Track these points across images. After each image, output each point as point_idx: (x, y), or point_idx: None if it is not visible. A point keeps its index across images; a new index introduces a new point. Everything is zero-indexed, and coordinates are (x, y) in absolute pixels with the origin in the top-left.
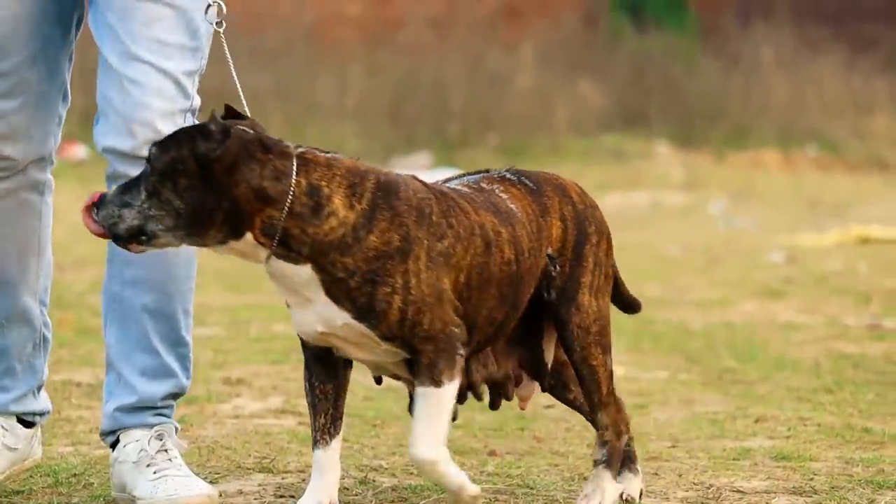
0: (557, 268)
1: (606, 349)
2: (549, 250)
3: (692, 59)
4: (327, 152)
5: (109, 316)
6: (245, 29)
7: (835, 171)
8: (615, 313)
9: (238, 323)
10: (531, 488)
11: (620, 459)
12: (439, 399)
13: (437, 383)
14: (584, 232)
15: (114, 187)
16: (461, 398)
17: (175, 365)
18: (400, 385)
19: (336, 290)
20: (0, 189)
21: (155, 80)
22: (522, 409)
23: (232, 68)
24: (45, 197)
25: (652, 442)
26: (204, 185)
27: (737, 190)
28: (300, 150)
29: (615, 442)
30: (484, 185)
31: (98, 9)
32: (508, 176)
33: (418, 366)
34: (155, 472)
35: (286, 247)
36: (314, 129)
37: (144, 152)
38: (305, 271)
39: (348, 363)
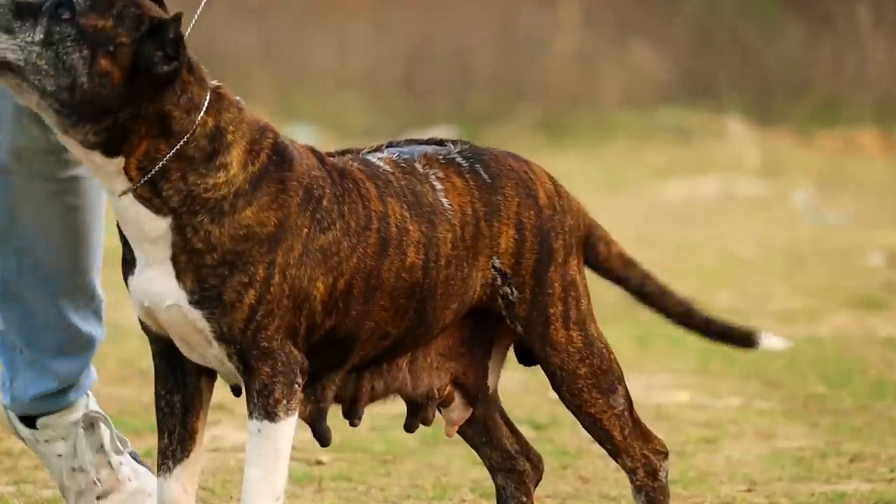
0: (514, 290)
1: (610, 389)
2: (497, 262)
3: (771, 19)
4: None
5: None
6: None
7: None
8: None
9: None
10: None
11: (668, 500)
12: (276, 436)
13: (272, 416)
14: (549, 248)
15: None
16: (349, 415)
17: (94, 327)
18: None
19: (185, 261)
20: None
21: None
22: (449, 435)
23: None
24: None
25: (723, 485)
26: (123, 83)
27: (826, 177)
28: (214, 82)
29: (651, 482)
30: (419, 166)
31: None
32: (459, 159)
33: (250, 391)
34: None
35: (154, 190)
36: (309, 99)
37: None
38: (161, 226)
39: (203, 371)
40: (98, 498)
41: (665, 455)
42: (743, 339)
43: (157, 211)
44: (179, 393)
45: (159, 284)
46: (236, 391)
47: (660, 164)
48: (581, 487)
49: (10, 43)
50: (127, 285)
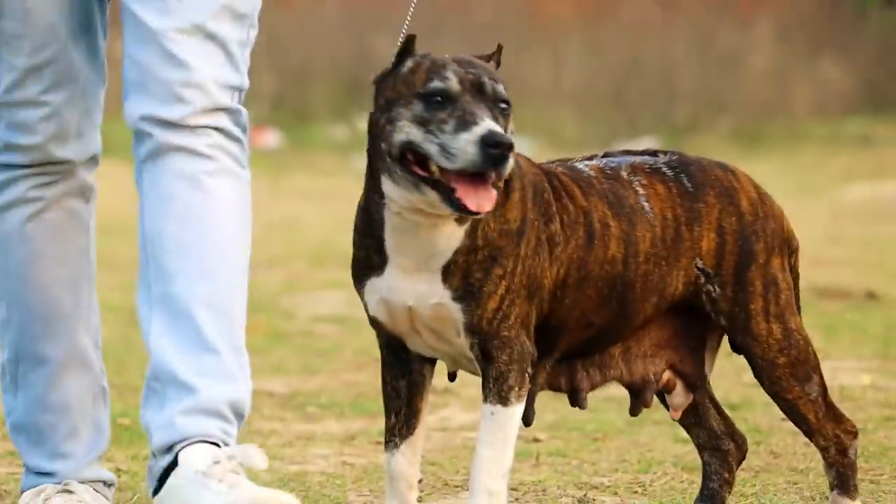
0: (716, 288)
1: (805, 378)
2: (699, 263)
3: None
4: None
5: (156, 323)
6: (452, 5)
7: None
8: (859, 311)
9: None
10: None
11: (855, 474)
12: (506, 420)
13: (505, 401)
14: (750, 251)
15: None
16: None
17: (236, 370)
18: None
19: (461, 262)
20: (47, 197)
21: (203, 46)
22: (674, 418)
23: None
24: (90, 205)
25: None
26: None
27: None
28: None
29: (842, 459)
30: (624, 173)
31: None
32: (664, 169)
33: (486, 378)
34: (222, 482)
35: None
36: (528, 113)
37: (199, 121)
38: (458, 236)
39: (426, 360)
40: None
41: (854, 435)
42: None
43: (461, 223)
44: (405, 379)
45: (426, 286)
46: (451, 377)
47: (845, 168)
48: (772, 462)
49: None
50: (363, 286)
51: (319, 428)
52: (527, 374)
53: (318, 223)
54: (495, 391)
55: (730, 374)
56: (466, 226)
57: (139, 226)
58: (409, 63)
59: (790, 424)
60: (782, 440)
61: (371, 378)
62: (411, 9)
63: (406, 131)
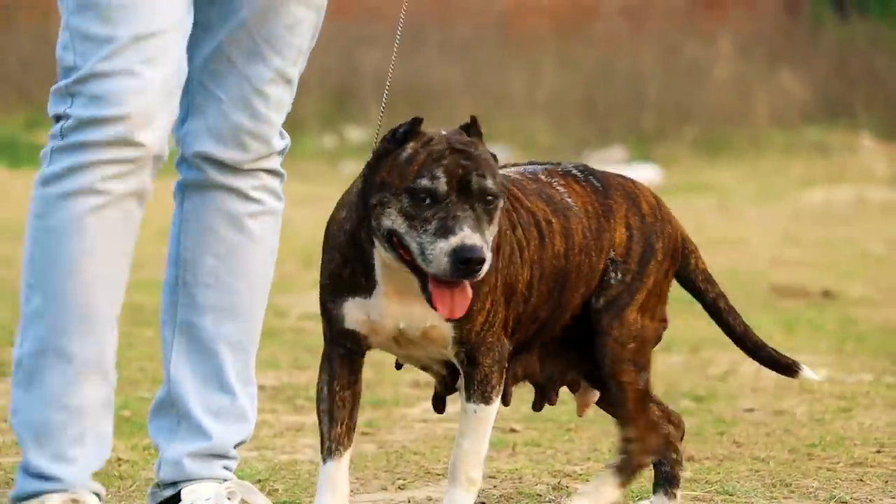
0: (619, 275)
1: (641, 367)
2: (613, 254)
3: (891, 48)
4: None
5: (177, 347)
6: (435, 21)
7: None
8: (815, 309)
9: None
10: (730, 494)
11: (634, 473)
12: (487, 416)
13: (488, 400)
14: (652, 247)
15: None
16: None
17: (248, 407)
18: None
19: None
20: (114, 192)
21: (280, 92)
22: (579, 415)
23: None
24: (141, 212)
25: (856, 447)
26: None
27: None
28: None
29: (636, 455)
30: (542, 176)
31: (226, 4)
32: (574, 172)
33: (471, 380)
34: None
35: None
36: (504, 123)
37: (252, 165)
38: None
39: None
40: None
41: (676, 452)
42: (785, 368)
43: None
44: (350, 390)
45: (419, 310)
46: (398, 366)
47: (803, 174)
48: (735, 451)
49: None
50: (342, 301)
51: (308, 419)
52: (504, 372)
53: (309, 227)
54: (479, 392)
55: (696, 369)
56: None
57: (172, 241)
58: (408, 150)
59: (752, 415)
60: (745, 430)
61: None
62: (399, 27)
63: (393, 219)
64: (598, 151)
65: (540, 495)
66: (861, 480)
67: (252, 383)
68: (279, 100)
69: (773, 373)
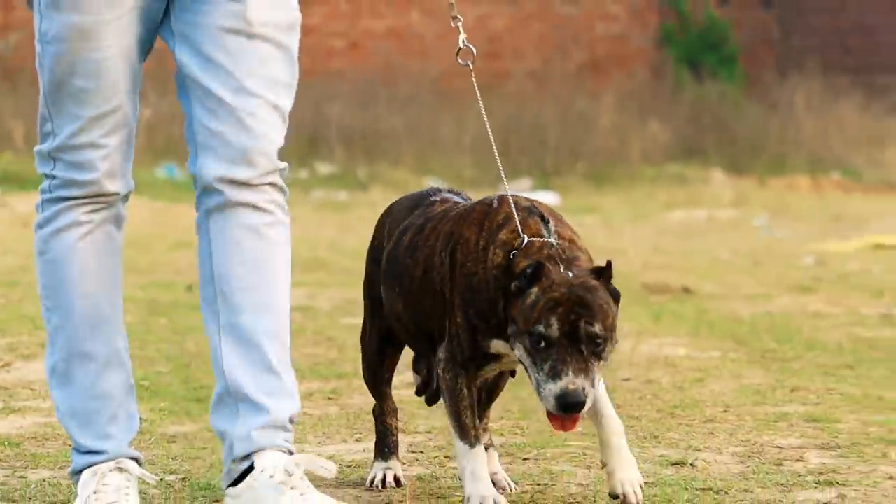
0: None
1: None
2: None
3: (740, 104)
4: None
5: (226, 347)
6: (383, 82)
7: (854, 193)
8: (677, 302)
9: None
10: None
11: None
12: None
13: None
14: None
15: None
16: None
17: (293, 387)
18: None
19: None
20: (94, 220)
21: (271, 115)
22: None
23: (481, 106)
24: (121, 232)
25: (708, 408)
26: None
27: (775, 207)
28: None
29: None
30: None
31: (199, 48)
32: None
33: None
34: (301, 494)
35: None
36: (438, 161)
37: (262, 180)
38: None
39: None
40: None
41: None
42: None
43: None
44: (475, 389)
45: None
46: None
47: (667, 200)
48: (616, 411)
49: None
50: (489, 337)
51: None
52: None
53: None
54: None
55: None
56: None
57: (203, 263)
58: (532, 295)
59: (628, 384)
60: (623, 395)
61: (324, 351)
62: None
63: (520, 353)
64: (511, 182)
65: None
66: (712, 433)
67: (290, 368)
68: (273, 123)
69: (646, 350)
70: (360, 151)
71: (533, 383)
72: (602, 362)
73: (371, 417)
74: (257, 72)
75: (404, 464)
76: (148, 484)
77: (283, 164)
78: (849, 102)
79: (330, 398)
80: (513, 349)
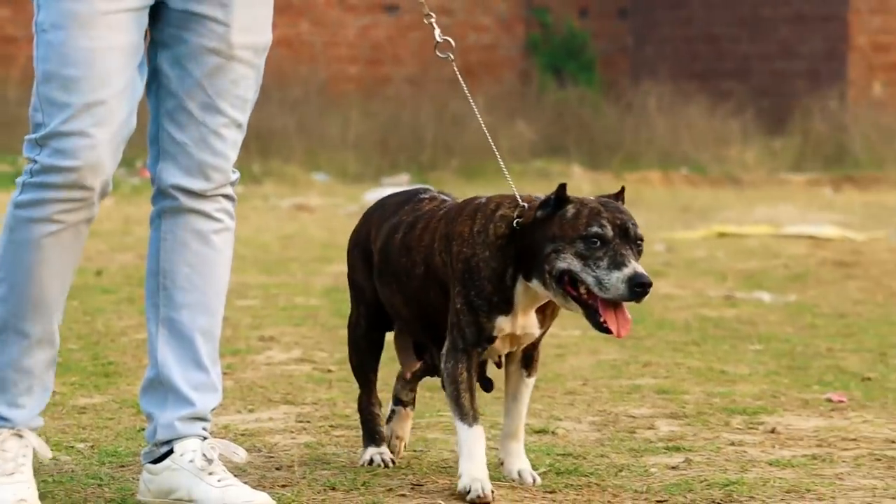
0: None
1: None
2: None
3: (598, 106)
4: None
5: (161, 339)
6: (275, 84)
7: (701, 186)
8: None
9: (270, 296)
10: (482, 415)
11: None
12: (531, 384)
13: (533, 374)
14: None
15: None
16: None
17: (217, 382)
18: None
19: (541, 310)
20: (67, 221)
21: (233, 134)
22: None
23: (466, 90)
24: (89, 228)
25: (568, 381)
26: None
27: (629, 199)
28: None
29: None
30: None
31: (179, 61)
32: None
33: (531, 361)
34: (219, 480)
35: None
36: (325, 157)
37: (215, 192)
38: (547, 295)
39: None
40: None
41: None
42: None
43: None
44: (476, 373)
45: (531, 321)
46: (497, 365)
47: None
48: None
49: None
50: (491, 322)
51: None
52: None
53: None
54: (535, 369)
55: None
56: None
57: (151, 255)
58: (570, 209)
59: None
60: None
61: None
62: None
63: (568, 262)
64: (391, 177)
65: (348, 416)
66: (571, 404)
67: (218, 364)
68: (233, 140)
69: None
70: (255, 149)
71: (591, 283)
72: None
73: (261, 391)
74: (229, 92)
75: (292, 432)
76: (51, 458)
77: (236, 176)
78: (696, 105)
79: (225, 373)
80: (554, 267)
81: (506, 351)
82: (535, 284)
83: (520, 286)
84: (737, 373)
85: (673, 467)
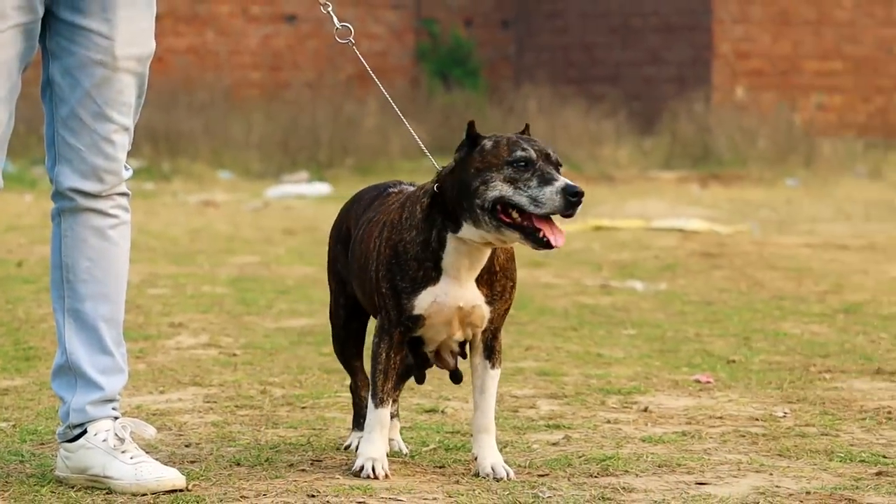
0: None
1: None
2: None
3: (482, 109)
4: None
5: (68, 328)
6: (183, 89)
7: (577, 183)
8: None
9: (179, 285)
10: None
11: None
12: (497, 375)
13: (497, 364)
14: None
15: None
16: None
17: (123, 363)
18: (293, 327)
19: (485, 278)
20: None
21: (122, 138)
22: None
23: (374, 78)
24: None
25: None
26: None
27: None
28: None
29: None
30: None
31: (69, 71)
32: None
33: (492, 351)
34: (132, 458)
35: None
36: (229, 156)
37: (109, 192)
38: (486, 257)
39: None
40: None
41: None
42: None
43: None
44: (398, 356)
45: (471, 293)
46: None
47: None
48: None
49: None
50: (417, 294)
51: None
52: None
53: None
54: (498, 359)
55: None
56: (489, 251)
57: (53, 249)
58: (487, 142)
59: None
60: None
61: (133, 317)
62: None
63: (499, 189)
64: (291, 175)
65: (252, 397)
66: (459, 386)
67: (123, 346)
68: (122, 144)
69: None
70: (164, 149)
71: (524, 203)
72: None
73: (171, 373)
74: (116, 100)
75: (200, 412)
76: None
77: (128, 173)
78: (572, 108)
79: (138, 357)
80: (486, 198)
81: (460, 335)
82: (465, 231)
83: (449, 245)
84: (612, 356)
85: (553, 444)
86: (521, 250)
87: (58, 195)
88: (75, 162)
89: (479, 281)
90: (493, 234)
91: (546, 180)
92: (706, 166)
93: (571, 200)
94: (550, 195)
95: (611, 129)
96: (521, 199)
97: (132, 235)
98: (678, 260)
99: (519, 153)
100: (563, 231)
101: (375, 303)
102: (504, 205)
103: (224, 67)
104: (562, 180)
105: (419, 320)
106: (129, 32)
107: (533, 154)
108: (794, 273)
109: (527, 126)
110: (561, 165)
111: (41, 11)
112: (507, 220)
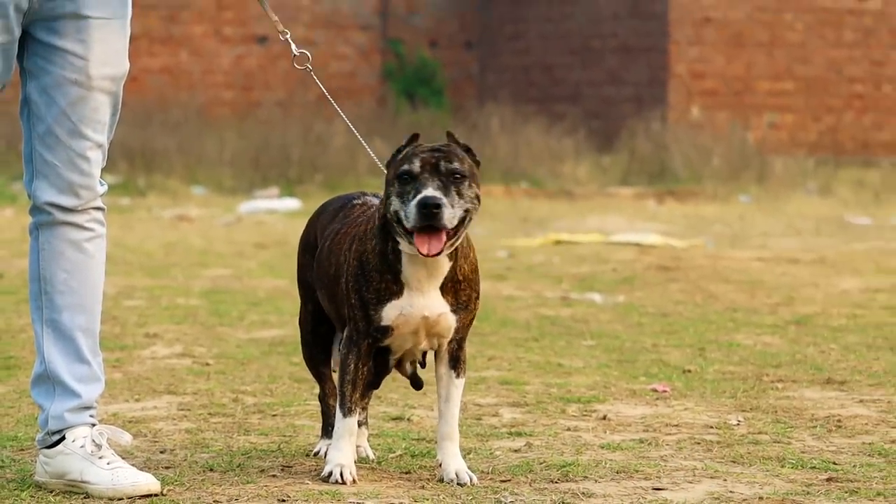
0: None
1: None
2: None
3: (447, 127)
4: None
5: (46, 338)
6: (158, 108)
7: (538, 199)
8: None
9: (154, 297)
10: (379, 398)
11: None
12: (461, 385)
13: (462, 374)
14: None
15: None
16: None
17: (99, 372)
18: (266, 337)
19: (449, 287)
20: None
21: (97, 154)
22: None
23: (330, 99)
24: None
25: (421, 374)
26: None
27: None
28: None
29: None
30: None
31: (46, 90)
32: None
33: (457, 360)
34: (109, 463)
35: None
36: (203, 173)
37: (85, 206)
38: (447, 267)
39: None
40: None
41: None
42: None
43: (450, 259)
44: (366, 367)
45: (436, 302)
46: (417, 380)
47: None
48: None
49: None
50: (383, 307)
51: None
52: None
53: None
54: (462, 369)
55: None
56: (450, 263)
57: (31, 262)
58: (398, 156)
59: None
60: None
61: (109, 328)
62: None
63: (393, 203)
64: (262, 190)
65: (224, 405)
66: (424, 394)
67: (99, 355)
68: (97, 160)
69: None
70: (140, 165)
71: (402, 217)
72: (462, 202)
73: (147, 382)
74: (91, 118)
75: (174, 419)
76: None
77: (103, 188)
78: (534, 126)
79: (114, 366)
80: (389, 211)
81: (426, 345)
82: (399, 240)
83: (404, 256)
84: (572, 366)
85: (515, 450)
86: (484, 264)
87: (35, 210)
88: (52, 177)
89: (444, 290)
90: (405, 244)
91: (415, 195)
92: (662, 183)
93: (424, 212)
94: (411, 209)
95: (571, 146)
96: (402, 213)
97: (109, 249)
98: (636, 273)
99: (404, 167)
100: (441, 242)
101: (345, 314)
102: (398, 218)
103: (197, 87)
104: (423, 193)
105: (387, 331)
106: (103, 53)
107: (417, 168)
108: (746, 286)
109: (448, 134)
110: (457, 174)
111: (18, 32)
112: (405, 230)
